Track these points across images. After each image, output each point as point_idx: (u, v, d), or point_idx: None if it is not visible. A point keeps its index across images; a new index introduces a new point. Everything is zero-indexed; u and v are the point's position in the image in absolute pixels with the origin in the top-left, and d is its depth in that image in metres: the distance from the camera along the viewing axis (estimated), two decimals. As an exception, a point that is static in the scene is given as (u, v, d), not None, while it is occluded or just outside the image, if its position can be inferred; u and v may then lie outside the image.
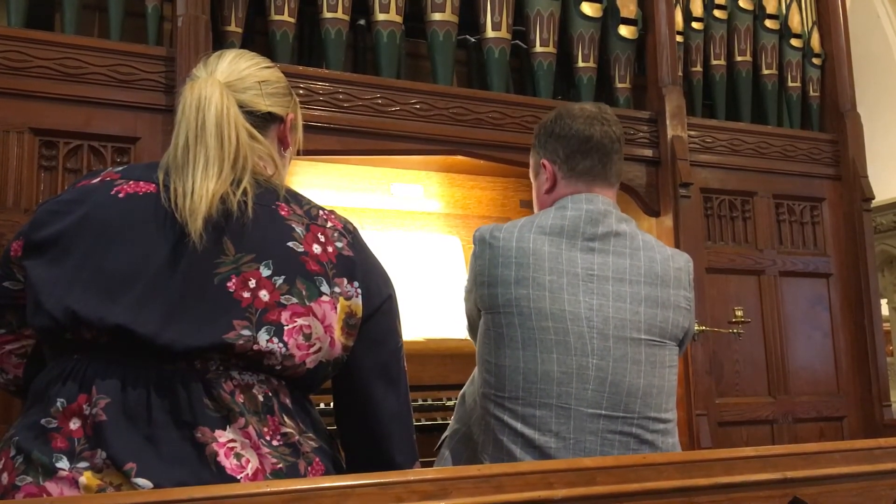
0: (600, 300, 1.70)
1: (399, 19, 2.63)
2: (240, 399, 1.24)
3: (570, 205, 1.78)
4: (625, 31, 2.97)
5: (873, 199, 3.24)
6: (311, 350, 1.29)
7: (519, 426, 1.65)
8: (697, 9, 3.16)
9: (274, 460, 1.22)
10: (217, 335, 1.22)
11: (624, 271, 1.73)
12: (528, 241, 1.71)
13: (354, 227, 1.42)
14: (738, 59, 3.24)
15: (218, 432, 1.20)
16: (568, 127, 1.83)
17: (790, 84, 3.32)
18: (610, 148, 1.83)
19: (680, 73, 3.01)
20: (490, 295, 1.71)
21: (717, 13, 3.21)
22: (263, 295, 1.25)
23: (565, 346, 1.66)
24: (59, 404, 1.21)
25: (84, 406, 1.20)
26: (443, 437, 1.92)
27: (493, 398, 1.69)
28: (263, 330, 1.24)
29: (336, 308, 1.31)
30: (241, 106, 1.37)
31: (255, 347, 1.24)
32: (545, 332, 1.67)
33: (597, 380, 1.66)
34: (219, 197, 1.27)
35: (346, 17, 2.56)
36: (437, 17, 2.67)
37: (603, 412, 1.66)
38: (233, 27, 2.45)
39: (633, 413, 1.68)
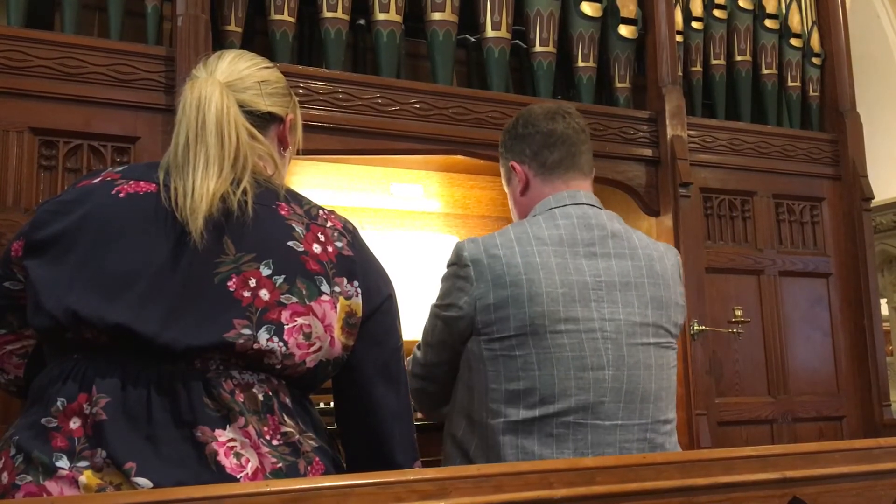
0: (611, 308, 1.68)
1: (399, 19, 2.63)
2: (240, 398, 1.24)
3: (556, 211, 1.75)
4: (624, 30, 2.97)
5: (873, 198, 3.23)
6: (311, 349, 1.29)
7: (536, 449, 1.62)
8: (697, 8, 3.16)
9: (274, 460, 1.23)
10: (217, 334, 1.22)
11: (628, 274, 1.72)
12: (535, 255, 1.67)
13: (354, 227, 1.43)
14: (738, 58, 3.24)
15: (218, 432, 1.20)
16: (531, 125, 1.84)
17: (790, 84, 3.32)
18: (576, 138, 1.82)
19: (680, 73, 3.01)
20: (499, 319, 1.64)
21: (716, 13, 3.20)
22: (264, 294, 1.25)
23: (581, 361, 1.63)
24: (59, 403, 1.21)
25: (84, 405, 1.20)
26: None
27: (505, 425, 1.63)
28: (263, 329, 1.24)
29: (336, 307, 1.31)
30: (240, 106, 1.37)
31: (256, 346, 1.24)
32: (561, 350, 1.63)
33: (613, 391, 1.64)
34: (219, 196, 1.27)
35: (346, 17, 2.56)
36: (436, 16, 2.67)
37: (619, 422, 1.64)
38: (232, 27, 2.45)
39: (646, 418, 1.67)
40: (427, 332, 1.81)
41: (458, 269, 1.71)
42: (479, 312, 1.66)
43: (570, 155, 1.82)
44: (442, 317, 1.74)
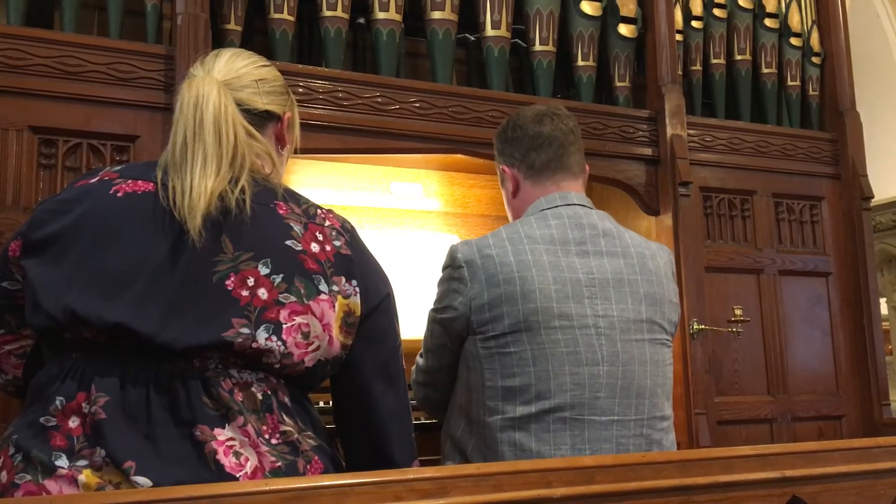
0: (605, 304, 1.69)
1: (398, 18, 2.62)
2: (239, 397, 1.24)
3: (548, 211, 1.77)
4: (624, 29, 2.96)
5: (873, 198, 3.23)
6: (310, 349, 1.29)
7: (534, 445, 1.62)
8: (697, 7, 3.15)
9: (273, 459, 1.23)
10: (216, 333, 1.22)
11: (620, 271, 1.73)
12: (527, 254, 1.68)
13: (352, 226, 1.43)
14: (738, 57, 3.24)
15: (217, 430, 1.20)
16: (520, 129, 1.86)
17: (790, 83, 3.32)
18: (564, 140, 1.84)
19: (679, 72, 3.01)
20: (493, 317, 1.66)
21: (716, 12, 3.20)
22: (262, 293, 1.25)
23: (576, 356, 1.64)
24: (58, 402, 1.21)
25: (83, 404, 1.20)
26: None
27: (502, 422, 1.65)
28: (262, 328, 1.24)
29: (334, 307, 1.31)
30: (238, 104, 1.37)
31: (254, 346, 1.24)
32: (555, 346, 1.64)
33: (608, 387, 1.65)
34: (217, 195, 1.27)
35: (346, 16, 2.56)
36: (436, 15, 2.67)
37: (616, 418, 1.65)
38: (232, 25, 2.45)
39: (642, 414, 1.68)
40: (426, 337, 1.83)
41: (453, 271, 1.73)
42: (473, 312, 1.68)
43: (557, 157, 1.83)
44: (439, 320, 1.76)
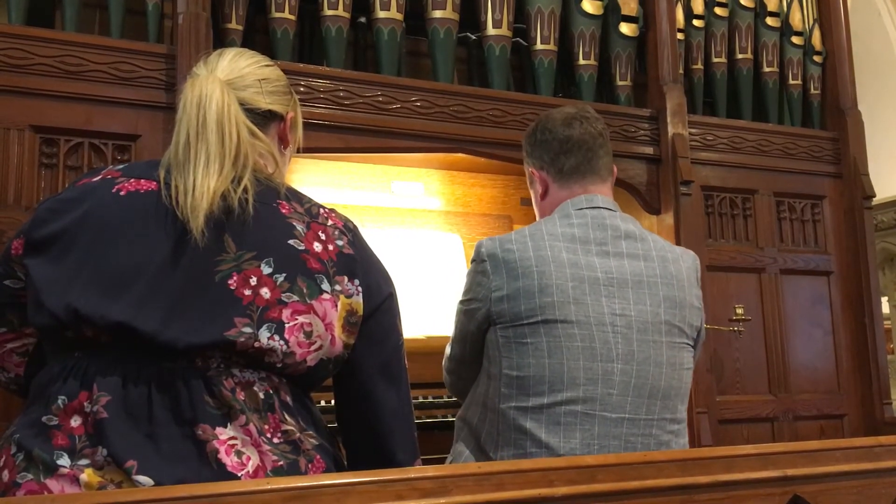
0: (622, 304, 1.71)
1: (400, 17, 2.62)
2: (240, 396, 1.24)
3: (572, 212, 1.80)
4: (626, 28, 2.96)
5: (874, 196, 3.23)
6: (312, 348, 1.29)
7: (544, 436, 1.65)
8: (698, 6, 3.15)
9: (275, 458, 1.23)
10: (218, 332, 1.22)
11: (640, 273, 1.75)
12: (546, 249, 1.72)
13: (355, 226, 1.43)
14: (739, 56, 3.24)
15: (219, 430, 1.20)
16: (549, 132, 1.88)
17: (791, 82, 3.32)
18: (593, 143, 1.86)
19: (681, 71, 3.01)
20: (511, 309, 1.70)
21: (718, 11, 3.20)
22: (264, 293, 1.25)
23: (591, 352, 1.67)
24: (60, 402, 1.21)
25: (85, 403, 1.20)
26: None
27: (515, 410, 1.68)
28: (264, 327, 1.24)
29: (337, 306, 1.31)
30: (241, 104, 1.37)
31: (256, 345, 1.24)
32: (571, 340, 1.67)
33: (621, 384, 1.67)
34: (220, 194, 1.27)
35: (347, 15, 2.56)
36: (437, 14, 2.67)
37: (627, 416, 1.67)
38: (233, 25, 2.45)
39: (653, 415, 1.70)
40: (454, 327, 1.89)
41: (477, 265, 1.78)
42: (493, 303, 1.72)
43: (586, 160, 1.86)
44: (464, 311, 1.82)
